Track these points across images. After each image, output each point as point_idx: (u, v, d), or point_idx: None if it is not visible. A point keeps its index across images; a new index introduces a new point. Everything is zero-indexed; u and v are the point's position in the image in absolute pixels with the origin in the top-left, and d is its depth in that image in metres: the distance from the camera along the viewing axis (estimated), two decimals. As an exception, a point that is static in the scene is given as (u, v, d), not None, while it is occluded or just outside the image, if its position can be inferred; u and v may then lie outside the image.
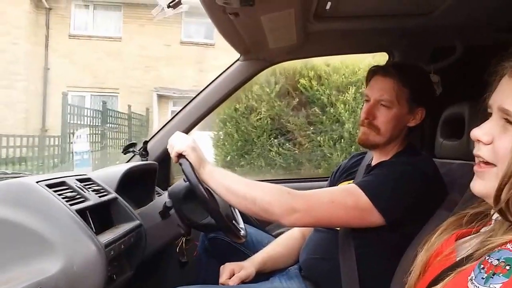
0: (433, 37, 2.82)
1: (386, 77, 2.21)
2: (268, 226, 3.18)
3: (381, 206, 1.94)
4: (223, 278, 2.28)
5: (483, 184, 1.21)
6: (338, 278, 2.09)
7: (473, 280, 1.06)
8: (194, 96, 3.13)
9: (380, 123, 2.19)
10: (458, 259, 1.19)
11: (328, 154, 8.13)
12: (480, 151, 1.21)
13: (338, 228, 2.18)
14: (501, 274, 1.01)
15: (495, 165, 1.17)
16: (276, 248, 2.54)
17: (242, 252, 2.62)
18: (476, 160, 1.24)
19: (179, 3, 2.40)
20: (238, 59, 3.05)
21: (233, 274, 2.29)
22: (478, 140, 1.22)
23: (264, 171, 8.41)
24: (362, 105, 2.30)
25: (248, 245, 2.65)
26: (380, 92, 2.20)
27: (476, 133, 1.22)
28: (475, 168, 1.24)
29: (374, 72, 2.28)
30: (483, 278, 1.04)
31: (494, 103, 1.21)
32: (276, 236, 2.77)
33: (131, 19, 19.57)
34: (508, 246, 1.05)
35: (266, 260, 2.45)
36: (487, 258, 1.07)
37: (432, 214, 1.97)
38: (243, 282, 2.27)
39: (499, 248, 1.07)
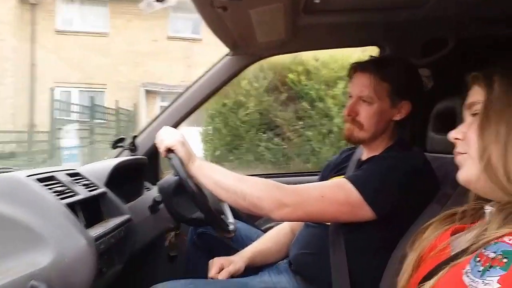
0: (425, 30, 2.80)
1: (364, 72, 2.20)
2: (257, 221, 3.18)
3: (371, 201, 1.93)
4: (212, 273, 2.28)
5: (462, 171, 1.29)
6: (329, 272, 2.08)
7: (468, 274, 1.06)
8: (182, 91, 3.12)
9: (363, 118, 2.19)
10: (453, 253, 1.20)
11: (317, 149, 8.16)
12: (457, 147, 1.33)
13: (329, 223, 2.18)
14: (498, 267, 1.01)
15: (466, 153, 1.27)
16: (266, 243, 2.54)
17: (231, 246, 2.62)
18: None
19: (167, -3, 2.39)
20: (226, 54, 3.04)
21: (222, 269, 2.29)
22: (456, 140, 1.32)
23: (253, 165, 8.44)
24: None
25: (237, 239, 2.65)
26: (360, 88, 2.20)
27: (451, 134, 1.35)
28: (455, 159, 1.34)
29: (354, 68, 2.28)
30: (479, 271, 1.04)
31: (465, 105, 1.33)
32: (265, 231, 2.77)
33: (118, 14, 19.53)
34: (505, 239, 1.05)
35: (256, 254, 2.45)
36: (483, 251, 1.07)
37: (423, 208, 1.96)
38: (232, 276, 2.27)
39: (495, 241, 1.07)
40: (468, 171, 1.25)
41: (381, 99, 2.16)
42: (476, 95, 1.27)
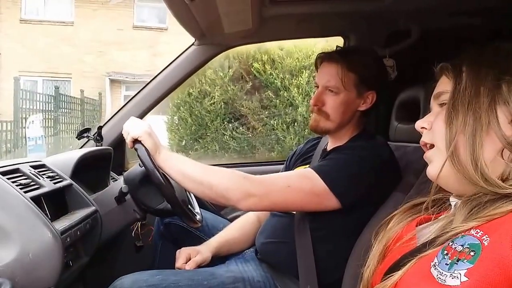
0: (389, 21, 2.82)
1: (331, 63, 2.21)
2: (223, 210, 3.19)
3: (337, 191, 1.95)
4: (179, 263, 2.28)
5: (432, 167, 1.28)
6: (295, 260, 2.10)
7: (436, 266, 1.06)
8: (149, 81, 3.10)
9: (329, 109, 2.20)
10: (419, 244, 1.21)
11: (282, 138, 8.18)
12: (423, 137, 1.33)
13: (294, 212, 2.19)
14: (466, 260, 1.02)
15: (433, 144, 1.28)
16: (232, 232, 2.55)
17: (197, 236, 2.63)
18: (423, 147, 1.34)
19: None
20: (193, 44, 3.02)
21: (189, 259, 2.30)
22: (423, 129, 1.33)
23: (218, 155, 8.44)
24: (315, 91, 2.31)
25: (204, 229, 2.66)
26: (326, 78, 2.21)
27: (418, 123, 1.35)
28: (424, 155, 1.33)
29: (321, 58, 2.29)
30: (447, 264, 1.04)
31: (433, 95, 1.34)
32: (231, 220, 2.78)
33: (83, 3, 19.36)
34: (472, 232, 1.06)
35: (222, 244, 2.46)
36: (450, 244, 1.08)
37: (387, 197, 1.99)
38: (199, 266, 2.28)
39: (462, 234, 1.08)
40: (438, 165, 1.24)
41: (347, 89, 2.17)
42: (444, 85, 1.28)
